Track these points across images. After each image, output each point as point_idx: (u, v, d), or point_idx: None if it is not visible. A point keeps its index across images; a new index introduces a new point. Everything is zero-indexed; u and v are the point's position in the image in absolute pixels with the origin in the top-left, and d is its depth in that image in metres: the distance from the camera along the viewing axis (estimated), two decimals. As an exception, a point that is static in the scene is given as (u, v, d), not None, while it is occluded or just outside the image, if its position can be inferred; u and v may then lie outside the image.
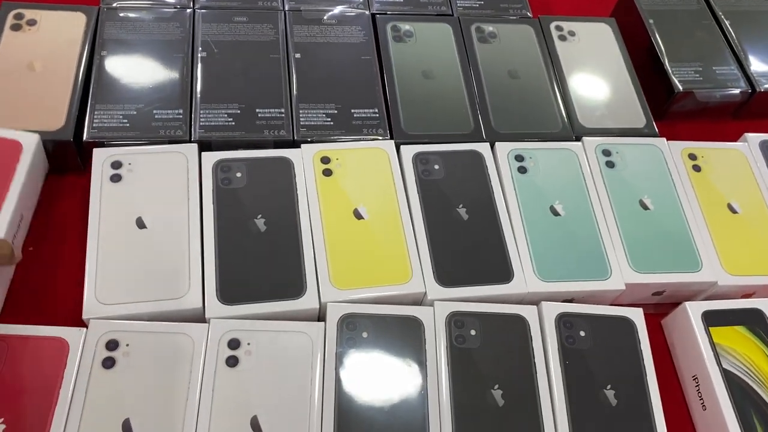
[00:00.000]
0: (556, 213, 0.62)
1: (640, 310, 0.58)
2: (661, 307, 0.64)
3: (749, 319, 0.59)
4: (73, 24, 0.65)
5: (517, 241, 0.60)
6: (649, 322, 0.62)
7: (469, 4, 0.76)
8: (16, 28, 0.64)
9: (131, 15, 0.67)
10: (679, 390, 0.60)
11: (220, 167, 0.59)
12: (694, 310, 0.59)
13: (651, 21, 0.77)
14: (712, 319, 0.59)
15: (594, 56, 0.74)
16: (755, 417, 0.55)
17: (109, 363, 0.50)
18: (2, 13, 0.65)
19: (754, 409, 0.55)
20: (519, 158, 0.65)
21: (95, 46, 0.65)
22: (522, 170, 0.64)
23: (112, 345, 0.51)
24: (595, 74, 0.73)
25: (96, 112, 0.61)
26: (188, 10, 0.69)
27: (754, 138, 0.70)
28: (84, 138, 0.59)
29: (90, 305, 0.52)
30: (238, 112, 0.63)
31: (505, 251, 0.59)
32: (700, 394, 0.58)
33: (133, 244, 0.55)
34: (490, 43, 0.73)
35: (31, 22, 0.64)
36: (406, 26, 0.72)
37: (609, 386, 0.55)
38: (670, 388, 0.60)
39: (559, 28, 0.75)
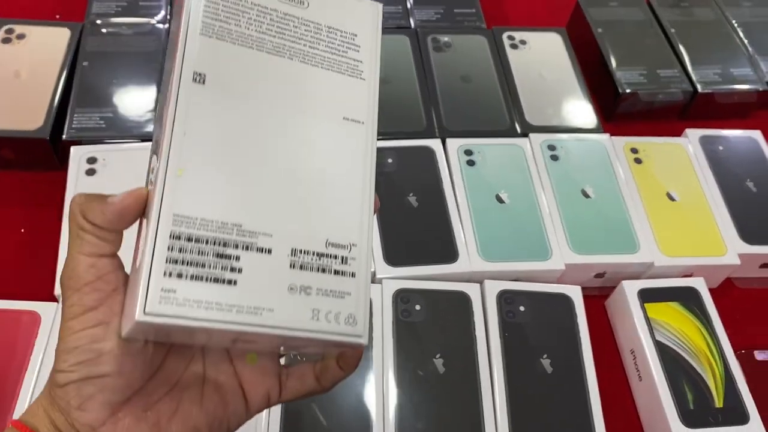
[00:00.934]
0: (501, 201, 0.66)
1: (578, 288, 0.62)
2: (605, 290, 0.67)
3: (683, 296, 0.63)
4: (58, 38, 0.72)
5: (463, 226, 0.64)
6: (594, 304, 0.66)
7: (427, 18, 0.82)
8: (6, 41, 0.70)
9: (112, 30, 0.73)
10: (621, 366, 0.63)
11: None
12: (631, 287, 0.63)
13: (600, 30, 0.83)
14: (647, 295, 0.63)
15: (544, 63, 0.79)
16: (686, 385, 0.58)
17: (76, 333, 0.54)
18: (-5, 29, 0.71)
19: (686, 378, 0.58)
20: (468, 152, 0.69)
21: (77, 57, 0.71)
22: (470, 163, 0.69)
23: (80, 317, 0.55)
24: (544, 78, 0.78)
25: (75, 115, 0.66)
26: (165, 25, 0.75)
27: (694, 133, 0.75)
28: (63, 137, 0.65)
29: (61, 282, 0.57)
30: (207, 113, 0.68)
31: (452, 234, 0.63)
32: (636, 366, 0.61)
33: (103, 229, 0.60)
34: (445, 52, 0.78)
35: (21, 36, 0.71)
36: (367, 37, 0.78)
37: (545, 356, 0.58)
38: (612, 364, 0.63)
39: (511, 38, 0.81)
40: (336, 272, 0.32)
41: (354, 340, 0.31)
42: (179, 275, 0.28)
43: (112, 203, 0.30)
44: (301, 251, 0.31)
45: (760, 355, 0.63)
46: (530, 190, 0.67)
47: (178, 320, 0.28)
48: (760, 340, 0.65)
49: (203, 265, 0.29)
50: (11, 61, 0.69)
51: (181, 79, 0.30)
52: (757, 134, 0.76)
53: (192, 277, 0.28)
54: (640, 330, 0.61)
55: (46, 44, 0.71)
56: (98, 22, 0.74)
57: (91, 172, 0.63)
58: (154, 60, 0.71)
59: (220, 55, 0.31)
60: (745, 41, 0.84)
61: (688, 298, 0.63)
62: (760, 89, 0.79)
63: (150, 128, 0.66)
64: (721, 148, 0.74)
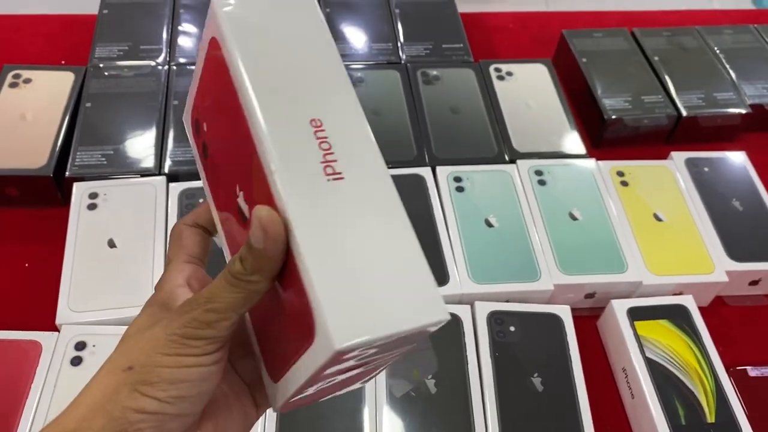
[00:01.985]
0: (490, 225, 0.68)
1: (567, 308, 0.63)
2: (596, 310, 0.68)
3: (672, 314, 0.64)
4: (62, 81, 0.75)
5: (453, 249, 0.66)
6: (586, 324, 0.67)
7: (416, 53, 0.85)
8: (13, 85, 0.74)
9: (114, 72, 0.77)
10: (613, 384, 0.64)
11: (184, 194, 0.67)
12: (620, 306, 0.64)
13: (584, 60, 0.86)
14: (636, 314, 0.64)
15: (530, 92, 0.82)
16: (677, 401, 0.59)
17: (76, 361, 0.56)
18: (3, 74, 0.75)
19: (677, 393, 0.59)
20: (457, 179, 0.71)
21: (81, 98, 0.74)
22: (460, 189, 0.71)
23: (80, 345, 0.57)
24: (530, 107, 0.80)
25: (78, 153, 0.69)
26: (165, 67, 0.78)
27: (679, 156, 0.77)
28: (66, 174, 0.68)
29: (62, 312, 0.59)
30: (204, 149, 0.71)
31: (443, 258, 0.65)
32: (628, 384, 0.61)
33: (103, 260, 0.62)
34: (434, 85, 0.81)
35: (27, 81, 0.74)
36: (358, 74, 0.81)
37: (536, 375, 0.59)
38: (606, 384, 0.64)
39: (497, 70, 0.84)
40: None
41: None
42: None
43: (268, 251, 0.28)
44: None
45: (753, 371, 0.64)
46: (518, 214, 0.69)
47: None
48: (752, 357, 0.65)
49: None
50: (18, 105, 0.72)
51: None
52: (741, 155, 0.77)
53: None
54: (630, 348, 0.61)
55: (51, 88, 0.74)
56: (101, 65, 0.78)
57: (92, 207, 0.65)
58: (153, 99, 0.74)
59: None
60: (727, 66, 0.86)
61: (677, 315, 0.64)
62: (744, 112, 0.81)
63: (149, 164, 0.69)
64: (706, 169, 0.76)
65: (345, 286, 0.27)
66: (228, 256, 0.34)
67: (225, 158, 0.33)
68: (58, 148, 0.69)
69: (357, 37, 0.86)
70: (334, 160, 0.30)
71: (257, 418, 0.36)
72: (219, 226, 0.35)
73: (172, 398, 0.29)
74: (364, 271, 0.28)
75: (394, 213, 0.30)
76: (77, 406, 0.29)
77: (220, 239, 0.35)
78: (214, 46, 0.31)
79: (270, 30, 0.31)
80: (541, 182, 0.72)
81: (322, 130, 0.30)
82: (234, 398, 0.34)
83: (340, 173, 0.29)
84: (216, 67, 0.31)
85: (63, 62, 0.84)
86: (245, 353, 0.35)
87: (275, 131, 0.29)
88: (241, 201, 0.31)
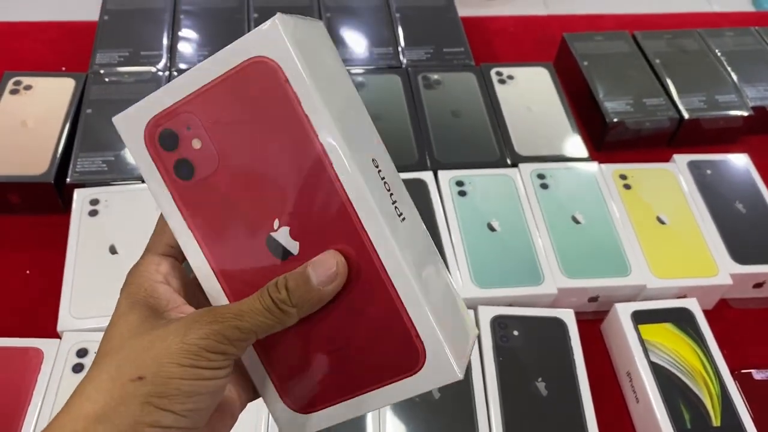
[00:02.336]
0: (492, 229, 0.68)
1: (570, 311, 0.63)
2: (600, 314, 0.68)
3: (677, 317, 0.64)
4: (63, 88, 0.75)
5: (456, 254, 0.65)
6: (590, 328, 0.67)
7: (417, 57, 0.85)
8: (14, 92, 0.74)
9: (114, 79, 0.77)
10: (618, 389, 0.64)
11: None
12: (624, 310, 0.64)
13: (585, 63, 0.85)
14: (640, 317, 0.63)
15: (531, 96, 0.82)
16: (683, 405, 0.58)
17: (78, 368, 0.56)
18: (4, 81, 0.74)
19: (682, 398, 0.59)
20: (459, 183, 0.71)
21: (81, 105, 0.74)
22: (462, 194, 0.70)
23: (82, 352, 0.57)
24: (531, 111, 0.80)
25: (79, 159, 0.69)
26: (165, 73, 0.78)
27: (681, 158, 0.76)
28: (67, 180, 0.67)
29: (64, 319, 0.58)
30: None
31: (445, 262, 0.65)
32: (633, 388, 0.61)
33: (104, 267, 0.62)
34: (435, 89, 0.81)
35: (28, 87, 0.74)
36: (359, 79, 0.81)
37: (540, 379, 0.59)
38: (611, 388, 0.63)
39: (499, 74, 0.83)
40: None
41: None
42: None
43: (325, 291, 0.30)
44: None
45: (758, 375, 0.63)
46: (521, 218, 0.69)
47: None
48: (757, 360, 0.65)
49: None
50: (18, 111, 0.72)
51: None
52: (744, 157, 0.77)
53: None
54: (634, 352, 0.61)
55: (52, 94, 0.74)
56: (101, 71, 0.78)
57: (93, 213, 0.65)
58: (154, 105, 0.74)
59: None
60: (729, 69, 0.86)
61: (681, 318, 0.64)
62: (745, 114, 0.81)
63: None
64: (709, 171, 0.76)
65: (444, 322, 0.31)
66: (207, 283, 0.32)
67: (251, 188, 0.30)
68: (59, 155, 0.69)
69: (358, 41, 0.86)
70: (396, 201, 0.31)
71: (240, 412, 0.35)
72: (196, 253, 0.32)
73: (188, 411, 0.28)
74: (445, 310, 0.32)
75: (434, 249, 0.34)
76: (75, 418, 0.27)
77: (197, 265, 0.33)
78: (263, 68, 0.29)
79: (320, 60, 0.30)
80: (544, 186, 0.72)
81: (380, 171, 0.31)
82: (224, 400, 0.33)
83: (402, 214, 0.31)
84: (262, 90, 0.29)
85: (64, 69, 0.84)
86: None
87: (363, 174, 0.29)
88: (283, 235, 0.31)
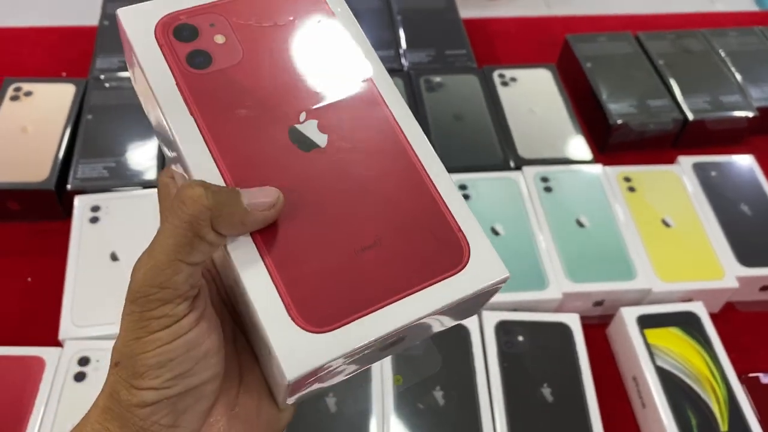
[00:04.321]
0: (496, 233, 0.67)
1: (576, 316, 0.62)
2: (606, 318, 0.67)
3: (683, 321, 0.63)
4: (63, 94, 0.74)
5: (459, 259, 0.65)
6: (595, 332, 0.66)
7: (419, 60, 0.84)
8: (14, 99, 0.73)
9: (115, 84, 0.76)
10: (625, 394, 0.63)
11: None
12: (630, 314, 0.63)
13: (589, 65, 0.85)
14: (646, 322, 0.63)
15: (534, 98, 0.81)
16: (690, 410, 0.58)
17: (80, 377, 0.55)
18: (4, 87, 0.74)
19: (689, 403, 0.58)
20: (462, 187, 0.71)
21: (82, 111, 0.73)
22: (465, 197, 0.70)
23: (83, 361, 0.56)
24: (534, 113, 0.79)
25: (80, 166, 0.69)
26: (166, 78, 0.78)
27: (686, 160, 0.76)
28: (68, 187, 0.67)
29: (65, 327, 0.58)
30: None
31: (448, 268, 0.64)
32: (639, 393, 0.60)
33: (106, 274, 0.61)
34: (437, 92, 0.80)
35: (28, 93, 0.74)
36: (361, 81, 0.80)
37: (545, 385, 0.58)
38: (617, 392, 0.63)
39: (501, 76, 0.83)
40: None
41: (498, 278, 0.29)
42: None
43: (255, 213, 0.27)
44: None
45: (766, 378, 0.63)
46: (525, 222, 0.68)
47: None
48: (764, 364, 0.64)
49: None
50: (19, 118, 0.72)
51: None
52: (749, 159, 0.77)
53: None
54: (640, 356, 0.60)
55: (52, 100, 0.74)
56: (101, 77, 0.77)
57: (94, 220, 0.65)
58: (155, 111, 0.74)
59: None
60: (733, 69, 0.85)
61: (687, 322, 0.63)
62: (750, 115, 0.80)
63: (151, 176, 0.68)
64: (714, 173, 0.75)
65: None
66: (203, 172, 0.28)
67: (276, 82, 0.31)
68: (59, 161, 0.68)
69: (359, 44, 0.85)
70: None
71: None
72: (193, 139, 0.29)
73: (168, 381, 0.26)
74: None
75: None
76: (91, 409, 0.28)
77: (191, 151, 0.29)
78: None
79: None
80: (548, 189, 0.71)
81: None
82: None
83: None
84: (300, 4, 0.33)
85: (64, 74, 0.83)
86: None
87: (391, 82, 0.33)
88: (309, 127, 0.30)
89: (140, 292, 0.26)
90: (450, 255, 0.28)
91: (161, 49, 0.31)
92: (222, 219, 0.26)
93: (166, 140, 0.31)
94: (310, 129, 0.30)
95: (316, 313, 0.27)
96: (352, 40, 0.33)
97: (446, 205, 0.29)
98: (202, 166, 0.29)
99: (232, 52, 0.31)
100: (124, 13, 0.31)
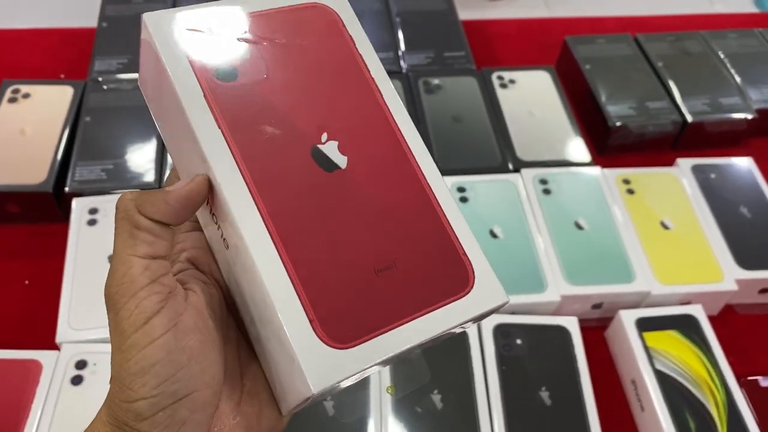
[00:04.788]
0: (495, 236, 0.67)
1: (574, 319, 0.62)
2: (604, 321, 0.67)
3: (682, 324, 0.63)
4: (61, 96, 0.74)
5: (457, 262, 0.65)
6: (594, 335, 0.66)
7: (418, 62, 0.84)
8: (12, 101, 0.73)
9: (113, 86, 0.76)
10: (623, 397, 0.63)
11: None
12: (628, 317, 0.63)
13: (587, 66, 0.85)
14: (645, 324, 0.63)
15: (533, 100, 0.81)
16: (688, 414, 0.57)
17: (77, 380, 0.55)
18: (2, 89, 0.74)
19: (688, 406, 0.58)
20: (461, 189, 0.70)
21: (80, 113, 0.73)
22: (463, 200, 0.70)
23: (80, 364, 0.56)
24: (533, 115, 0.79)
25: (77, 168, 0.69)
26: (164, 80, 0.78)
27: (685, 162, 0.76)
28: (66, 190, 0.67)
29: (63, 330, 0.58)
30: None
31: (446, 271, 0.64)
32: (638, 396, 0.60)
33: (104, 277, 0.61)
34: (436, 94, 0.80)
35: (26, 96, 0.74)
36: (360, 83, 0.80)
37: (544, 388, 0.58)
38: (615, 395, 0.63)
39: (500, 78, 0.83)
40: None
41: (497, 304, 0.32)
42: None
43: (175, 191, 0.28)
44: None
45: (765, 382, 0.63)
46: (524, 224, 0.68)
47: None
48: (764, 367, 0.64)
49: None
50: (17, 120, 0.72)
51: None
52: (748, 161, 0.76)
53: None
54: (639, 360, 0.60)
55: (50, 102, 0.74)
56: (100, 79, 0.77)
57: (92, 223, 0.65)
58: (153, 113, 0.74)
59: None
60: (732, 71, 0.85)
61: (686, 325, 0.63)
62: (750, 117, 0.80)
63: (149, 178, 0.68)
64: (713, 175, 0.75)
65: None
66: (227, 185, 0.29)
67: (300, 101, 0.32)
68: (57, 164, 0.68)
69: (358, 46, 0.85)
70: None
71: None
72: (218, 145, 0.30)
73: (155, 388, 0.26)
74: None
75: None
76: (96, 421, 0.28)
77: (217, 156, 0.30)
78: (321, 11, 0.35)
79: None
80: (546, 191, 0.71)
81: None
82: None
83: None
84: (320, 26, 0.34)
85: (62, 76, 0.83)
86: None
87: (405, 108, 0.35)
88: (331, 149, 0.31)
89: (108, 296, 0.27)
90: (457, 279, 0.31)
91: (189, 58, 0.31)
92: (146, 204, 0.28)
93: (186, 150, 0.31)
94: (331, 150, 0.31)
95: (337, 329, 0.28)
96: (367, 63, 0.34)
97: (452, 229, 0.32)
98: (230, 177, 0.29)
99: (257, 68, 0.32)
100: (149, 18, 0.31)
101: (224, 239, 0.30)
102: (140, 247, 0.27)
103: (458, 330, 0.32)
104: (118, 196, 0.67)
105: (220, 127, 0.30)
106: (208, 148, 0.29)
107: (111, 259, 0.62)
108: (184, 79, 0.30)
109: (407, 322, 0.29)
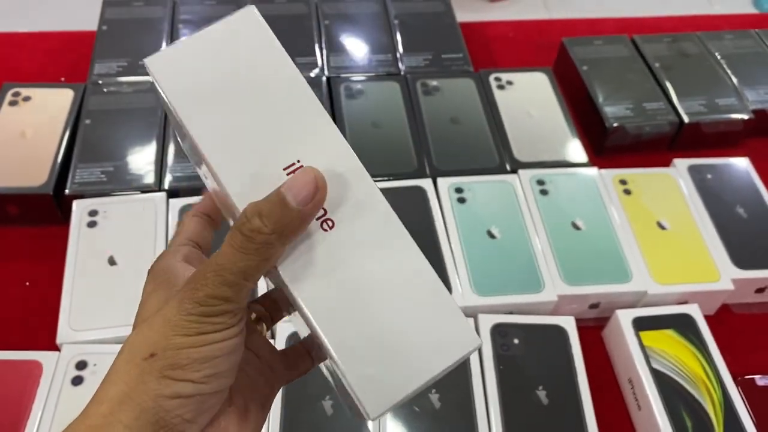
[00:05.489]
0: (492, 236, 0.68)
1: (571, 318, 0.63)
2: (601, 320, 0.67)
3: (678, 323, 0.63)
4: (62, 99, 0.75)
5: (455, 261, 0.65)
6: (591, 334, 0.66)
7: (416, 64, 0.84)
8: (13, 104, 0.74)
9: (113, 89, 0.77)
10: (620, 396, 0.63)
11: (184, 210, 0.66)
12: (625, 316, 0.63)
13: (585, 68, 0.85)
14: (641, 324, 0.63)
15: (530, 101, 0.81)
16: (685, 412, 0.58)
17: (78, 381, 0.56)
18: (3, 92, 0.75)
19: (684, 405, 0.58)
20: (459, 190, 0.71)
21: (80, 115, 0.74)
22: (461, 200, 0.70)
23: (81, 365, 0.56)
24: (531, 116, 0.80)
25: (78, 170, 0.69)
26: (163, 83, 0.78)
27: (682, 163, 0.76)
28: (66, 192, 0.67)
29: (63, 331, 0.58)
30: (204, 164, 0.71)
31: (445, 270, 0.64)
32: (635, 395, 0.61)
33: (104, 278, 0.62)
34: (434, 95, 0.81)
35: (26, 99, 0.74)
36: (357, 86, 0.81)
37: (541, 387, 0.58)
38: (612, 395, 0.63)
39: (497, 79, 0.83)
40: None
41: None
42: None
43: (307, 210, 0.29)
44: None
45: (761, 381, 0.63)
46: (521, 225, 0.69)
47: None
48: (760, 366, 0.65)
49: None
50: (17, 122, 0.72)
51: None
52: (744, 161, 0.77)
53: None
54: (635, 359, 0.61)
55: (51, 105, 0.74)
56: (100, 82, 0.78)
57: (92, 224, 0.65)
58: (152, 115, 0.74)
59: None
60: (729, 72, 0.86)
61: (683, 325, 0.63)
62: (746, 117, 0.81)
63: (149, 180, 0.69)
64: (709, 176, 0.75)
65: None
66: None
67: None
68: (57, 166, 0.69)
69: (356, 48, 0.86)
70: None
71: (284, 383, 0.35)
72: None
73: (207, 377, 0.28)
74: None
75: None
76: (99, 402, 0.28)
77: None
78: None
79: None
80: (543, 192, 0.71)
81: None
82: (258, 365, 0.33)
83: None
84: None
85: (62, 79, 0.84)
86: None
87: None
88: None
89: (207, 303, 0.28)
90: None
91: None
92: (285, 235, 0.29)
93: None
94: None
95: None
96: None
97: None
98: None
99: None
100: (151, 63, 0.32)
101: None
102: (257, 277, 0.29)
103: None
104: (119, 198, 0.67)
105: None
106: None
107: (111, 260, 0.63)
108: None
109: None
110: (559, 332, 0.62)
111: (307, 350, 0.36)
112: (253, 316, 0.36)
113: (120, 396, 0.27)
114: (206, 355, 0.28)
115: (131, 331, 0.30)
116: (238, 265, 0.28)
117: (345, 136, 0.74)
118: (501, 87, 0.82)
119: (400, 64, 0.84)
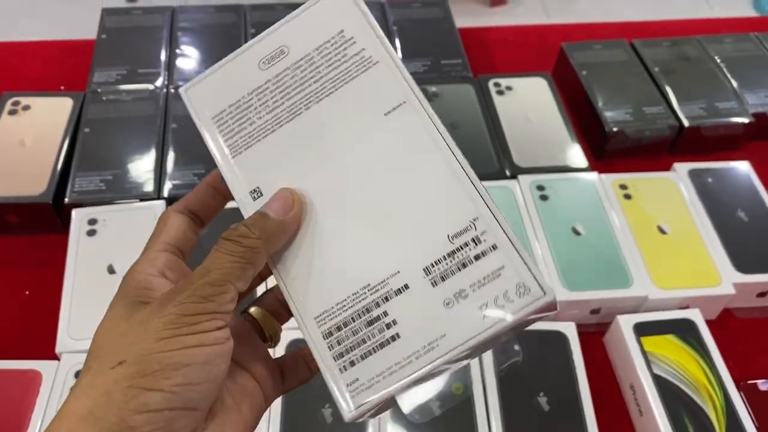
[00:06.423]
0: (492, 242, 0.67)
1: (572, 324, 0.62)
2: (603, 326, 0.67)
3: (679, 329, 0.63)
4: (61, 107, 0.75)
5: (455, 268, 0.65)
6: (592, 340, 0.66)
7: (415, 70, 0.84)
8: (12, 113, 0.74)
9: (112, 97, 0.77)
10: (621, 402, 0.63)
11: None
12: (626, 322, 0.63)
13: (584, 73, 0.85)
14: (643, 329, 0.63)
15: (530, 106, 0.81)
16: (687, 418, 0.57)
17: (76, 390, 0.56)
18: (2, 101, 0.75)
19: (686, 410, 0.58)
20: (458, 196, 0.71)
21: (80, 124, 0.74)
22: (461, 207, 0.70)
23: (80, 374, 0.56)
24: (530, 121, 0.80)
25: (77, 179, 0.69)
26: (163, 90, 0.78)
27: (682, 167, 0.76)
28: (65, 200, 0.67)
29: (62, 340, 0.58)
30: (203, 172, 0.71)
31: (444, 277, 0.64)
32: (636, 401, 0.60)
33: (103, 287, 0.61)
34: (433, 101, 0.81)
35: (26, 107, 0.74)
36: (357, 91, 0.81)
37: (542, 394, 0.58)
38: (614, 401, 0.63)
39: (497, 85, 0.83)
40: (477, 257, 0.30)
41: (538, 304, 0.29)
42: (351, 363, 0.30)
43: (287, 221, 0.31)
44: (433, 265, 0.30)
45: (763, 386, 0.63)
46: (521, 230, 0.68)
47: (375, 400, 0.29)
48: (762, 371, 0.64)
49: (364, 341, 0.30)
50: (17, 131, 0.72)
51: (244, 204, 0.33)
52: (745, 165, 0.77)
53: (362, 357, 0.30)
54: (637, 364, 0.60)
55: (50, 114, 0.74)
56: (99, 90, 0.78)
57: (91, 233, 0.65)
58: (151, 123, 0.74)
59: (259, 159, 0.33)
60: (729, 75, 0.85)
61: (684, 330, 0.63)
62: (746, 121, 0.80)
63: (148, 188, 0.69)
64: (710, 180, 0.75)
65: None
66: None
67: None
68: (57, 175, 0.69)
69: (355, 55, 0.86)
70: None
71: (265, 410, 0.33)
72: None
73: (178, 386, 0.26)
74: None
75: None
76: (60, 418, 0.26)
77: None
78: None
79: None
80: (543, 197, 0.71)
81: None
82: (241, 396, 0.31)
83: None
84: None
85: (62, 88, 0.84)
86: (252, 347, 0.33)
87: None
88: None
89: (189, 299, 0.27)
90: None
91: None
92: (270, 242, 0.30)
93: None
94: None
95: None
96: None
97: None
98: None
99: None
100: (186, 94, 0.36)
101: None
102: (242, 283, 0.29)
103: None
104: (118, 206, 0.67)
105: None
106: None
107: (110, 269, 0.63)
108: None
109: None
110: (560, 338, 0.62)
111: (306, 361, 0.35)
112: (254, 311, 0.36)
113: (82, 413, 0.25)
114: (178, 360, 0.26)
115: (90, 350, 0.29)
116: (224, 266, 0.28)
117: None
118: (500, 92, 0.82)
119: (399, 70, 0.84)
